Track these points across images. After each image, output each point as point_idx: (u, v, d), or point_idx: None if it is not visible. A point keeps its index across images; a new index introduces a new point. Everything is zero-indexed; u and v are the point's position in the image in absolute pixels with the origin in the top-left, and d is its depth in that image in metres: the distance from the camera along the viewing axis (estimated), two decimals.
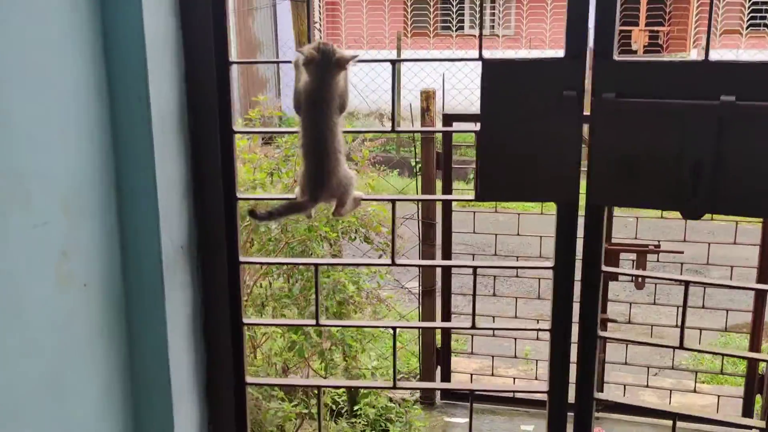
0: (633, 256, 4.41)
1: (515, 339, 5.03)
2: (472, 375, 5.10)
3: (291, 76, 2.15)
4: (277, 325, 3.21)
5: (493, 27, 16.06)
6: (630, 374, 4.99)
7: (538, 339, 5.20)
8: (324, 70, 1.86)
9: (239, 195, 2.02)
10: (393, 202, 2.14)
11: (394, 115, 1.97)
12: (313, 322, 2.15)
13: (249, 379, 2.13)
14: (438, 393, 4.83)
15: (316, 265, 2.11)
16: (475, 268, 2.13)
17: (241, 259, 2.05)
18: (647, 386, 4.77)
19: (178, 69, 1.88)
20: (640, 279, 4.35)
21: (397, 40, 12.86)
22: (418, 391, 4.72)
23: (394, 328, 2.26)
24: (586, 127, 1.91)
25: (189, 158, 1.96)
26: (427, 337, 4.74)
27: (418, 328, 4.87)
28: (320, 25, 14.72)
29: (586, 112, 1.90)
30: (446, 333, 4.76)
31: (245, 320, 2.10)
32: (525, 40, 14.48)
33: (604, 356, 4.35)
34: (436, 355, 4.78)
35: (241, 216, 2.17)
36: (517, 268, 2.30)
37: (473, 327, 2.14)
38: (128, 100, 1.78)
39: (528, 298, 5.36)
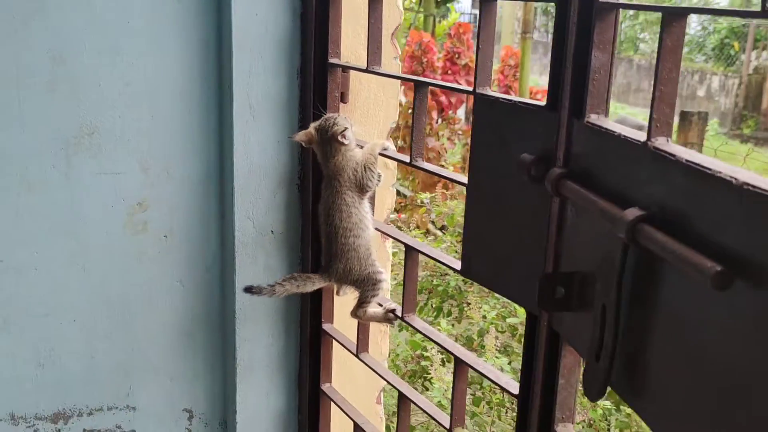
0: None
1: None
2: None
3: None
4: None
5: None
6: None
7: None
8: (325, 146, 1.81)
9: None
10: None
11: None
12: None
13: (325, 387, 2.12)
14: None
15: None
16: None
17: None
18: None
19: (278, 64, 1.97)
20: None
21: None
22: None
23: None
24: None
25: (297, 155, 2.04)
26: None
27: None
28: None
29: None
30: None
31: (325, 326, 2.09)
32: None
33: None
34: None
35: None
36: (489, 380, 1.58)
37: None
38: (226, 85, 1.99)
39: None
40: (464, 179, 1.51)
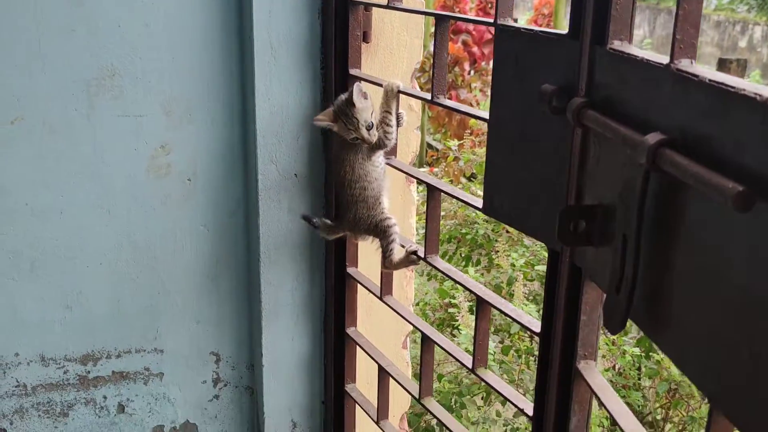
0: None
1: None
2: None
3: None
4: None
5: None
6: None
7: None
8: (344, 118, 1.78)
9: None
10: None
11: None
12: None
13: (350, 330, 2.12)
14: None
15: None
16: None
17: None
18: None
19: (299, 3, 1.92)
20: None
21: None
22: None
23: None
24: None
25: (319, 97, 2.01)
26: None
27: None
28: None
29: None
30: None
31: (349, 269, 2.08)
32: None
33: None
34: None
35: None
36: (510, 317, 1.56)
37: None
38: (246, 25, 1.96)
39: None
40: (486, 115, 1.47)
